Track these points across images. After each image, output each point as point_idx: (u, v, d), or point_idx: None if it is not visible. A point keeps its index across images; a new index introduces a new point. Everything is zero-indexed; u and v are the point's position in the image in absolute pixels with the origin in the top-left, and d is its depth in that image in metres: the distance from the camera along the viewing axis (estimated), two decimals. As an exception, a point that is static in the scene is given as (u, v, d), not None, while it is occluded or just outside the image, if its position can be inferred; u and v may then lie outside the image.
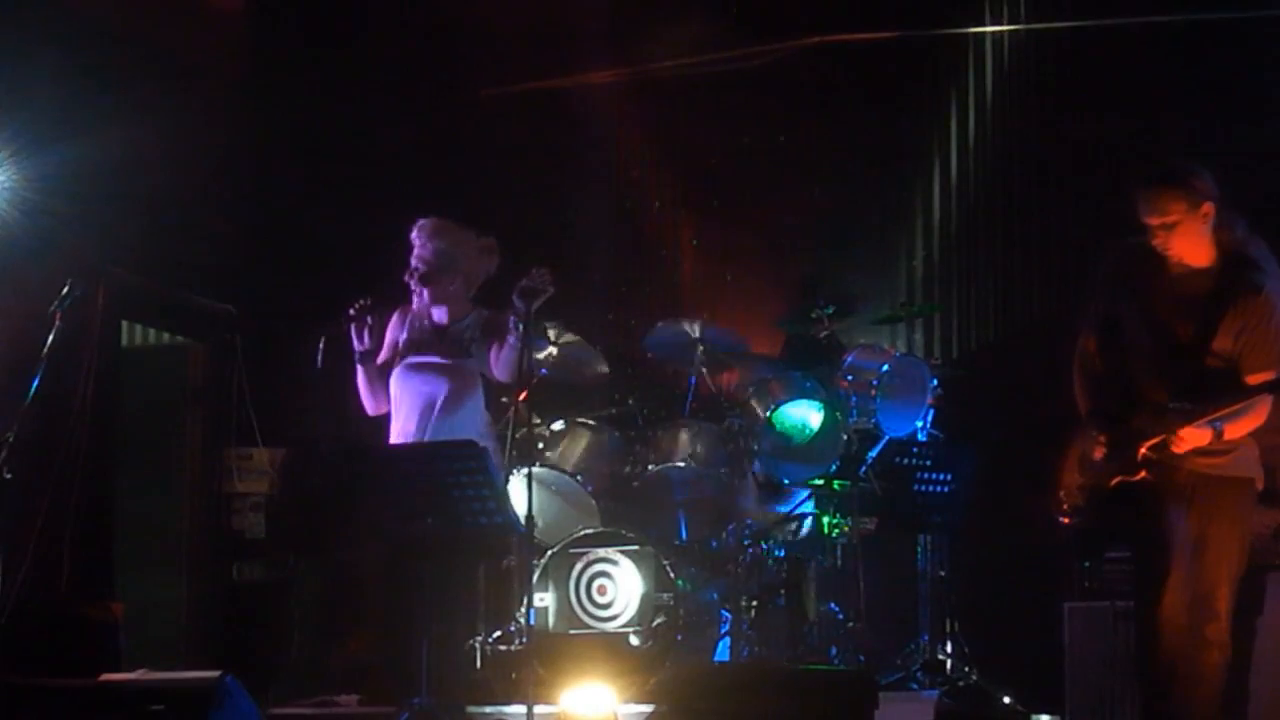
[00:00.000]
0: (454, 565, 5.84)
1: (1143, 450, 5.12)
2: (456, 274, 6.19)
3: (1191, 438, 5.04)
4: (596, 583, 6.81)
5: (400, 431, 6.13)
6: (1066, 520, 5.40)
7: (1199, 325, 5.11)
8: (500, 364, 6.05)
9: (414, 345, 6.21)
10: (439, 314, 6.22)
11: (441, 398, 6.05)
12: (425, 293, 6.18)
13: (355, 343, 6.13)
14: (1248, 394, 5.00)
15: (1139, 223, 5.17)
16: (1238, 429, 5.06)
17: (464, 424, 6.02)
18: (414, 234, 6.21)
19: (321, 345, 5.99)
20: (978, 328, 8.55)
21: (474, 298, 6.30)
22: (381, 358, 6.25)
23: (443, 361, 6.12)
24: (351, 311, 6.10)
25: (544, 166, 8.94)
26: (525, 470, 5.96)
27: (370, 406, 6.24)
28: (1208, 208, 5.11)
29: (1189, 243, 5.13)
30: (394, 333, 6.28)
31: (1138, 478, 5.14)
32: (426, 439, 5.96)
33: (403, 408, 6.12)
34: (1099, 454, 5.22)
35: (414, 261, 6.18)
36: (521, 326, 5.84)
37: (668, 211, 9.16)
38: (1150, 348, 5.19)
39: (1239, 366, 5.05)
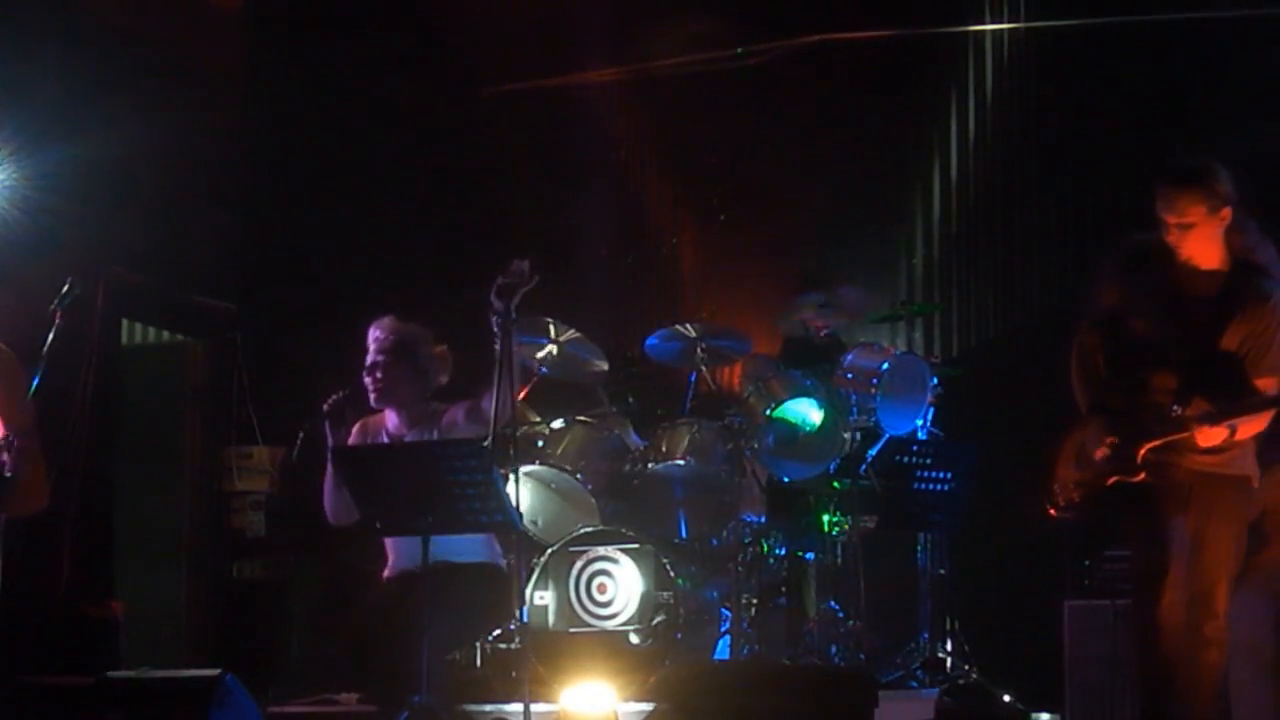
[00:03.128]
0: (454, 563, 5.82)
1: (1143, 451, 5.11)
2: (413, 372, 6.01)
3: (1212, 436, 5.03)
4: (596, 581, 6.81)
5: (393, 565, 5.99)
6: (1054, 513, 5.38)
7: (1205, 327, 5.10)
8: (480, 420, 5.87)
9: None
10: (394, 423, 6.11)
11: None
12: (379, 393, 6.00)
13: (329, 438, 6.00)
14: (1266, 402, 5.01)
15: (1153, 216, 5.15)
16: (1248, 430, 5.07)
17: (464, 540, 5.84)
18: (370, 330, 6.07)
19: (300, 439, 5.92)
20: (978, 326, 8.56)
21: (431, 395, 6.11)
22: None
23: None
24: (326, 407, 6.00)
25: (544, 166, 8.94)
26: (523, 469, 5.95)
27: (331, 511, 5.98)
28: (1226, 212, 5.08)
29: (1202, 245, 5.11)
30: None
31: (1137, 479, 5.14)
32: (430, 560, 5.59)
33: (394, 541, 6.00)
34: (1101, 454, 5.20)
35: (371, 356, 6.04)
36: (502, 328, 5.70)
37: (668, 211, 9.16)
38: (1155, 346, 5.18)
39: (1245, 369, 5.05)
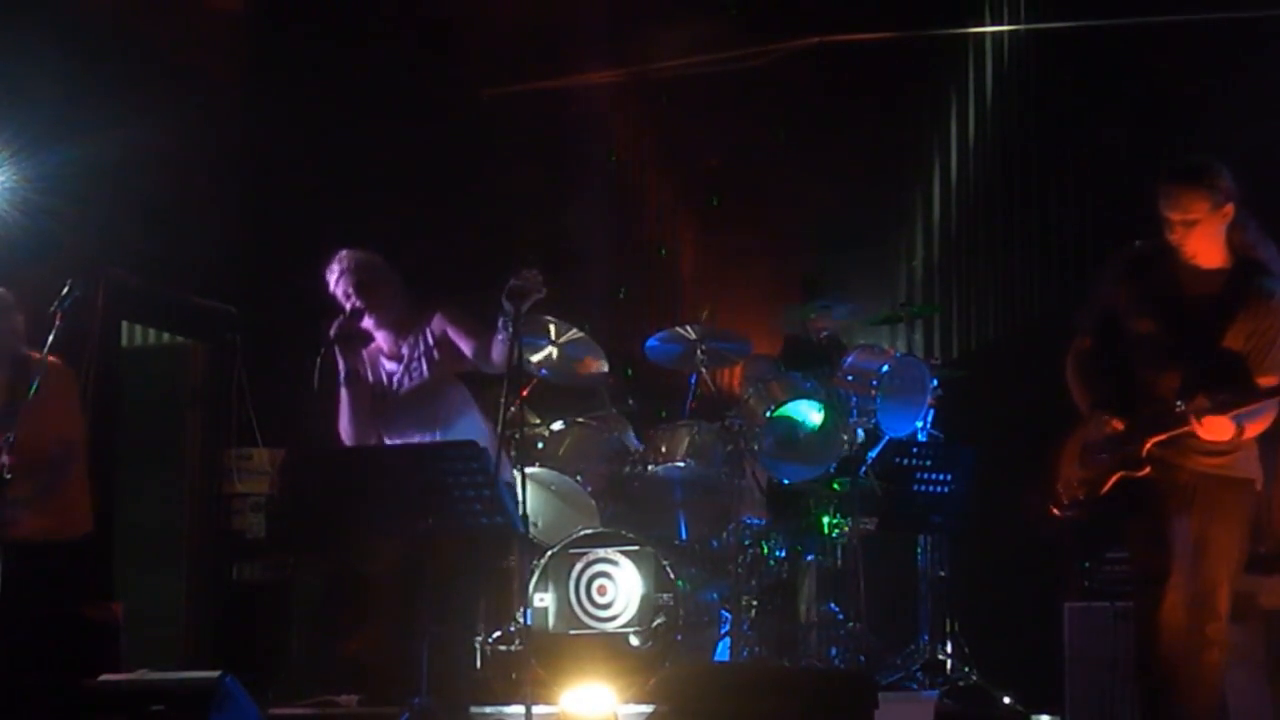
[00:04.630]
0: (454, 565, 5.83)
1: (1148, 445, 5.11)
2: (393, 284, 6.16)
3: (1215, 427, 5.01)
4: (596, 583, 6.80)
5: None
6: (1059, 513, 5.38)
7: (1208, 325, 5.10)
8: (487, 354, 5.98)
9: (381, 405, 6.18)
10: (387, 343, 6.16)
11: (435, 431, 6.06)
12: (378, 309, 6.12)
13: (341, 363, 6.05)
14: (1268, 395, 5.00)
15: (1153, 220, 5.16)
16: (1255, 428, 5.07)
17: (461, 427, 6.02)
18: (334, 265, 6.15)
19: (319, 365, 5.96)
20: (978, 328, 8.57)
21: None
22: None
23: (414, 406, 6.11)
24: (333, 333, 6.04)
25: (544, 166, 8.95)
26: (523, 470, 5.96)
27: (348, 434, 6.15)
28: (1229, 208, 5.10)
29: (1205, 242, 5.12)
30: (364, 370, 6.27)
31: (1141, 474, 5.14)
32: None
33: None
34: (1109, 432, 5.17)
35: (352, 279, 6.10)
36: (511, 328, 5.75)
37: (668, 211, 9.16)
38: (1159, 345, 5.18)
39: (1248, 367, 5.06)
